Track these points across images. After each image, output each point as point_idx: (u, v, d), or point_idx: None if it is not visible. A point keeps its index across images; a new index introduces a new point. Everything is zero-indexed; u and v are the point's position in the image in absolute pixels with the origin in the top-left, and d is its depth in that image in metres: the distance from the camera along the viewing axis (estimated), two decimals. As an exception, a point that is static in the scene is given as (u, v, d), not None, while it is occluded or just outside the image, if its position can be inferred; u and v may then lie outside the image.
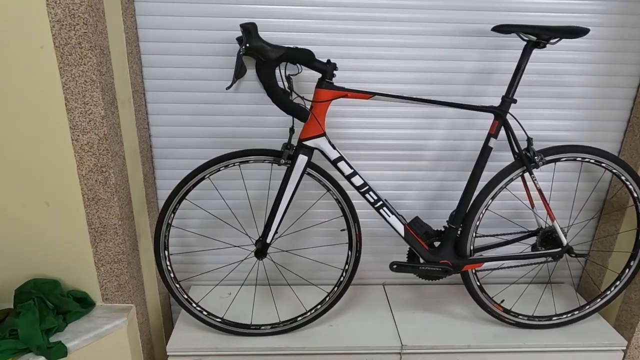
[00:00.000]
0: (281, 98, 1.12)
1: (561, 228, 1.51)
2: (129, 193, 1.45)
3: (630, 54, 1.58)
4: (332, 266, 1.83)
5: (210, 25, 1.47)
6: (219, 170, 1.38)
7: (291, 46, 1.12)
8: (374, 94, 1.32)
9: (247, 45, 1.05)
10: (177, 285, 1.48)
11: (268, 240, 1.42)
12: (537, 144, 1.66)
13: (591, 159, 1.46)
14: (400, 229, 1.46)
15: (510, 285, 1.88)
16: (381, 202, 1.43)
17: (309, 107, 1.32)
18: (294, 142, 1.36)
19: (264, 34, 1.47)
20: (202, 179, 1.38)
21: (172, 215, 1.40)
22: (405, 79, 1.57)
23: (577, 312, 1.64)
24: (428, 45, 1.54)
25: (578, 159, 1.45)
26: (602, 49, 1.57)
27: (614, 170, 1.47)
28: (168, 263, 1.45)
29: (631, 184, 1.49)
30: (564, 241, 1.48)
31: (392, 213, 1.45)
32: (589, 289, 1.86)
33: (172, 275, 1.47)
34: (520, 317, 1.61)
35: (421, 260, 1.51)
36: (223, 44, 1.48)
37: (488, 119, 1.64)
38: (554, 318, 1.63)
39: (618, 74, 1.61)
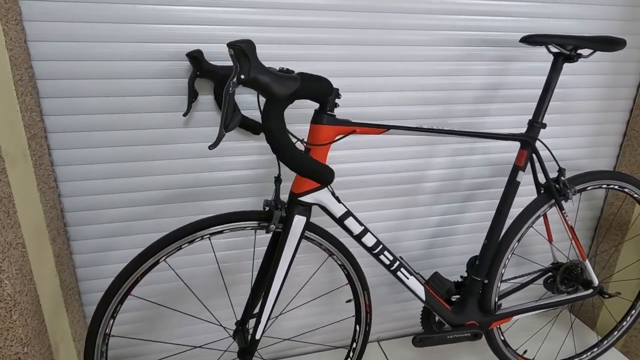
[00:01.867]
0: (295, 155, 0.73)
1: (582, 263, 1.33)
2: (35, 297, 0.95)
3: (629, 63, 1.45)
4: (333, 346, 1.48)
5: (145, 36, 1.02)
6: (180, 249, 0.95)
7: (305, 72, 0.72)
8: (389, 127, 1.00)
9: (243, 77, 0.65)
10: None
11: (258, 335, 1.02)
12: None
13: (615, 185, 1.29)
14: (421, 291, 1.16)
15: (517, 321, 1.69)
16: (398, 263, 1.11)
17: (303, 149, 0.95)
18: (282, 196, 0.98)
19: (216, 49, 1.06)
20: (156, 263, 0.94)
21: (112, 321, 0.94)
22: (400, 99, 1.27)
23: (595, 349, 1.49)
24: (423, 59, 1.25)
25: (604, 186, 1.28)
26: (600, 59, 1.42)
27: (635, 195, 1.32)
28: (108, 389, 0.98)
29: (650, 208, 1.35)
30: (595, 281, 1.30)
31: (411, 274, 1.14)
32: (586, 311, 1.75)
33: (115, 404, 1.00)
34: (543, 366, 1.42)
35: (444, 325, 1.22)
36: (165, 62, 1.05)
37: (491, 142, 1.41)
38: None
39: (616, 86, 1.47)
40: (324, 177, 0.78)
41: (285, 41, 1.11)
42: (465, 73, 1.30)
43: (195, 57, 1.01)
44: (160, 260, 0.93)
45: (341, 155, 1.28)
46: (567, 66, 1.38)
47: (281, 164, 0.79)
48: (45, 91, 1.01)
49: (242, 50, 0.64)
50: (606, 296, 1.31)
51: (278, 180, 0.99)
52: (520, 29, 1.29)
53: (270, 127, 0.69)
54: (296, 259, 1.33)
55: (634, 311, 1.48)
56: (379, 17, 1.16)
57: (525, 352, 1.40)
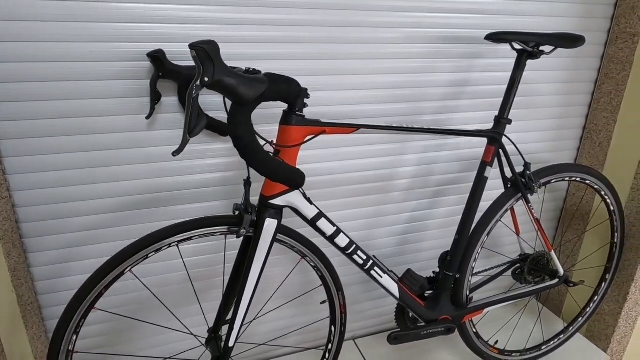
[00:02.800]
0: (265, 160, 0.70)
1: (547, 254, 1.37)
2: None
3: (587, 59, 1.50)
4: (309, 348, 1.46)
5: (102, 35, 0.97)
6: (147, 258, 0.91)
7: (272, 73, 0.70)
8: (359, 126, 0.99)
9: (207, 79, 0.62)
10: None
11: (232, 343, 0.99)
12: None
13: (577, 178, 1.33)
14: (395, 289, 1.16)
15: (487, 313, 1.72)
16: (372, 262, 1.11)
17: (272, 152, 0.93)
18: (252, 199, 0.96)
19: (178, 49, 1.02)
20: (121, 274, 0.89)
21: (74, 338, 0.89)
22: (368, 97, 1.26)
23: (562, 335, 1.55)
24: (392, 57, 1.25)
25: (566, 178, 1.31)
26: (559, 55, 1.46)
27: (596, 187, 1.37)
28: (74, 408, 0.93)
29: (609, 199, 1.41)
30: (561, 271, 1.35)
31: (385, 272, 1.14)
32: (553, 299, 1.81)
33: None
34: (514, 354, 1.45)
35: (418, 321, 1.23)
36: (124, 63, 1.00)
37: (460, 138, 1.43)
38: (544, 347, 1.51)
39: (576, 81, 1.52)
40: (295, 180, 0.76)
41: (250, 40, 1.08)
42: (433, 70, 1.31)
43: (157, 57, 0.97)
44: (126, 270, 0.89)
45: (311, 155, 1.27)
46: (529, 63, 1.43)
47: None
48: (-6, 95, 0.94)
49: (205, 51, 0.61)
50: (571, 285, 1.36)
51: (248, 183, 0.96)
52: (485, 26, 1.31)
53: (238, 132, 0.66)
54: (269, 261, 1.32)
55: (596, 297, 1.54)
56: (346, 15, 1.15)
57: (496, 342, 1.43)
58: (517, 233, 1.34)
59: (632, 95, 1.44)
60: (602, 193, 1.39)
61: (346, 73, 1.21)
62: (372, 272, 1.12)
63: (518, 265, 1.40)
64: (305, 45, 1.14)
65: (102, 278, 0.87)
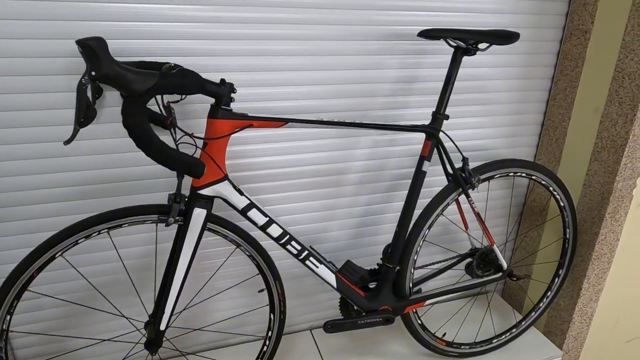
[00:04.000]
0: (162, 150, 0.75)
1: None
2: None
3: (544, 55, 1.51)
4: (250, 335, 1.50)
5: (47, 32, 1.01)
6: (77, 244, 0.96)
7: (171, 64, 0.74)
8: (287, 120, 1.02)
9: (94, 73, 0.67)
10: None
11: (163, 327, 1.04)
12: (456, 156, 1.54)
13: (522, 173, 1.35)
14: (332, 279, 1.20)
15: (430, 308, 1.75)
16: (307, 252, 1.15)
17: (200, 145, 0.97)
18: (186, 190, 1.01)
19: (117, 45, 1.07)
20: (52, 258, 0.95)
21: (9, 317, 0.94)
22: (315, 93, 1.29)
23: (514, 329, 1.56)
24: (341, 52, 1.28)
25: (510, 174, 1.33)
26: (514, 51, 1.47)
27: (543, 182, 1.39)
28: (11, 383, 0.99)
29: (558, 194, 1.42)
30: (504, 265, 1.37)
31: (321, 262, 1.18)
32: (515, 295, 1.82)
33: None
34: (462, 347, 1.48)
35: (358, 311, 1.27)
36: (66, 59, 1.05)
37: (411, 134, 1.46)
38: (495, 340, 1.53)
39: (532, 77, 1.53)
40: (194, 170, 0.80)
41: (193, 36, 1.12)
42: (381, 67, 1.33)
43: (91, 50, 1.01)
44: (57, 255, 0.94)
45: (264, 148, 1.30)
46: (483, 59, 1.44)
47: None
48: (-60, 88, 1.00)
49: (91, 47, 0.65)
50: (514, 279, 1.38)
51: (180, 174, 1.01)
52: (435, 24, 1.33)
53: (128, 123, 0.71)
54: (210, 251, 1.36)
55: (549, 292, 1.55)
56: (291, 13, 1.18)
57: (444, 335, 1.46)
58: (466, 228, 1.36)
59: (583, 91, 1.44)
60: (551, 189, 1.40)
61: (293, 69, 1.24)
62: (307, 262, 1.16)
63: (470, 259, 1.42)
64: (249, 42, 1.17)
65: (33, 262, 0.92)
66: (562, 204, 1.44)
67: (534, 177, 1.37)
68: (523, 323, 1.56)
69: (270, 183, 1.36)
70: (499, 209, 1.71)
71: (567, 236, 1.49)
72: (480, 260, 1.41)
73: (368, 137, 1.41)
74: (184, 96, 0.99)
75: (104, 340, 1.32)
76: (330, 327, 1.22)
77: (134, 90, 0.69)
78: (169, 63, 1.00)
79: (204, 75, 0.88)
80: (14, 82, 1.03)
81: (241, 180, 1.32)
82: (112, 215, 0.96)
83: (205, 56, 1.15)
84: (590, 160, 1.44)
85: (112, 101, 1.12)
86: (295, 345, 1.55)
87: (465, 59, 1.39)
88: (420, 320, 1.38)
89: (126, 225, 0.98)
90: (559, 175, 1.56)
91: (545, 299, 1.56)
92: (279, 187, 1.37)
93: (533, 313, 1.57)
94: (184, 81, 0.75)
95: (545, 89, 1.57)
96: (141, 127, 0.71)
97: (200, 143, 0.97)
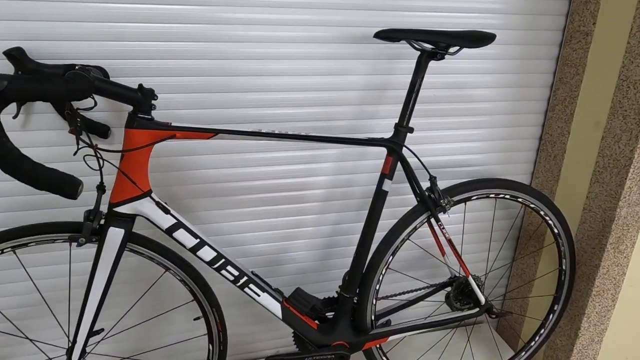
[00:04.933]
0: (19, 165, 0.65)
1: (477, 278, 1.22)
2: None
3: (542, 61, 1.33)
4: None
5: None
6: (-22, 263, 0.87)
7: (39, 70, 0.63)
8: (217, 131, 0.91)
9: None
10: None
11: (75, 355, 0.94)
12: (443, 172, 1.38)
13: (506, 195, 1.18)
14: (277, 309, 1.07)
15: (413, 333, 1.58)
16: (246, 279, 1.03)
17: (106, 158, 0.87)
18: (106, 208, 0.91)
19: (46, 46, 0.98)
20: (-51, 279, 0.87)
21: None
22: (272, 101, 1.17)
23: (500, 370, 1.38)
24: (305, 57, 1.15)
25: (492, 195, 1.17)
26: (507, 57, 1.31)
27: (532, 206, 1.21)
28: None
29: (551, 219, 1.24)
30: (482, 299, 1.20)
31: (263, 290, 1.05)
32: (512, 329, 1.63)
33: None
34: (438, 388, 1.31)
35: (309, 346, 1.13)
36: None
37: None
38: (477, 382, 1.36)
39: (526, 85, 1.36)
40: (62, 188, 0.69)
41: (130, 37, 1.03)
42: (348, 72, 1.20)
43: (14, 56, 0.93)
44: (-45, 275, 0.86)
45: (212, 159, 1.19)
46: (471, 65, 1.28)
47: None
48: None
49: None
50: (493, 316, 1.20)
51: (100, 188, 0.91)
52: (416, 25, 1.19)
53: None
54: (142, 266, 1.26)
55: (542, 330, 1.36)
56: (245, 13, 1.07)
57: (416, 373, 1.30)
58: (442, 254, 1.20)
59: (584, 102, 1.26)
60: (542, 213, 1.23)
61: (241, 74, 1.13)
62: (247, 290, 1.03)
63: (448, 289, 1.26)
64: (198, 44, 1.07)
65: None
66: (556, 230, 1.25)
67: (520, 200, 1.19)
68: (511, 364, 1.38)
69: (222, 198, 1.24)
70: (487, 234, 1.53)
71: (564, 267, 1.30)
72: (459, 292, 1.25)
73: (334, 149, 1.28)
74: (95, 103, 0.90)
75: None
76: (273, 363, 1.09)
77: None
78: (82, 65, 0.91)
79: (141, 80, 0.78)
80: None
81: (188, 194, 1.21)
82: (16, 233, 0.87)
83: (133, 59, 1.05)
84: (591, 181, 1.25)
85: (40, 108, 1.04)
86: (254, 373, 1.43)
87: (450, 65, 1.26)
88: (386, 357, 1.23)
89: (33, 244, 0.89)
90: (557, 197, 1.37)
91: (538, 337, 1.37)
92: (234, 203, 1.26)
93: (523, 353, 1.38)
94: (51, 87, 0.65)
95: (544, 98, 1.39)
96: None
97: (115, 157, 0.87)
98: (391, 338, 1.17)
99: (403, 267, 1.49)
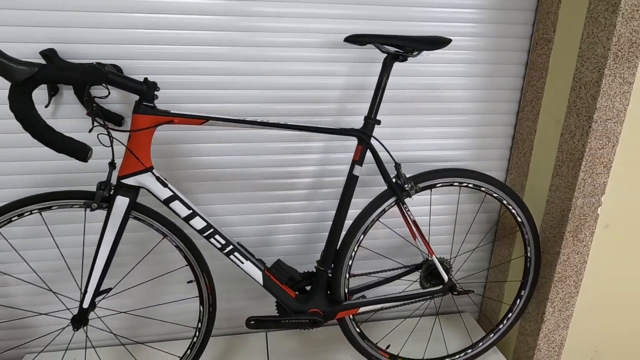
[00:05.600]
0: (43, 133, 0.84)
1: (445, 260, 1.34)
2: None
3: (512, 65, 1.46)
4: (184, 325, 1.55)
5: (10, 36, 1.16)
6: (11, 221, 1.07)
7: (62, 63, 0.83)
8: (208, 118, 1.08)
9: None
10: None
11: (85, 304, 1.12)
12: (421, 167, 1.52)
13: (469, 183, 1.30)
14: (258, 276, 1.22)
15: (402, 322, 1.70)
16: (231, 247, 1.19)
17: (127, 137, 1.05)
18: (115, 180, 1.09)
19: (73, 48, 1.19)
20: (-12, 233, 1.07)
21: (-51, 282, 1.07)
22: (258, 97, 1.35)
23: (470, 350, 1.48)
24: (288, 59, 1.33)
25: (455, 183, 1.30)
26: (481, 61, 1.44)
27: (495, 195, 1.33)
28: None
29: (514, 208, 1.35)
30: (445, 278, 1.32)
31: (247, 258, 1.21)
32: (491, 318, 1.73)
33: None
34: (409, 362, 1.43)
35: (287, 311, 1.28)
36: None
37: (364, 140, 1.46)
38: (446, 359, 1.47)
39: (499, 88, 1.49)
40: (76, 153, 0.88)
41: (141, 41, 1.23)
42: (330, 74, 1.36)
43: (47, 55, 1.14)
44: (-8, 230, 1.06)
45: (208, 147, 1.37)
46: (447, 69, 1.43)
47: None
48: None
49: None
50: (455, 293, 1.32)
51: (112, 164, 1.10)
52: (392, 33, 1.35)
53: (12, 108, 0.80)
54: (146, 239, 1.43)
55: (510, 314, 1.46)
56: (246, 21, 1.26)
57: (388, 346, 1.42)
58: (414, 237, 1.33)
59: (547, 103, 1.38)
60: (505, 202, 1.34)
61: (237, 74, 1.31)
62: (232, 257, 1.20)
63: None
64: (205, 48, 1.27)
65: (-30, 234, 1.05)
66: (519, 219, 1.37)
67: (483, 189, 1.32)
68: (480, 344, 1.48)
69: (214, 182, 1.42)
70: (460, 218, 1.65)
71: (529, 254, 1.40)
72: (428, 273, 1.37)
73: (319, 142, 1.44)
74: (109, 92, 1.09)
75: (40, 314, 1.43)
76: (253, 322, 1.23)
77: (15, 79, 0.79)
78: (98, 62, 1.11)
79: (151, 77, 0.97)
80: (-17, 79, 1.18)
81: (187, 178, 1.39)
82: (41, 198, 1.07)
83: (144, 60, 1.25)
84: (553, 175, 1.36)
85: (67, 99, 1.25)
86: (246, 344, 1.57)
87: (426, 68, 1.41)
88: (359, 329, 1.36)
89: (55, 207, 1.08)
90: (527, 190, 1.48)
91: (506, 320, 1.47)
92: (228, 186, 1.43)
93: (492, 335, 1.48)
94: (71, 73, 0.84)
95: (515, 100, 1.51)
96: (24, 112, 0.81)
97: (123, 136, 1.06)
98: (362, 309, 1.30)
99: (386, 252, 1.62)
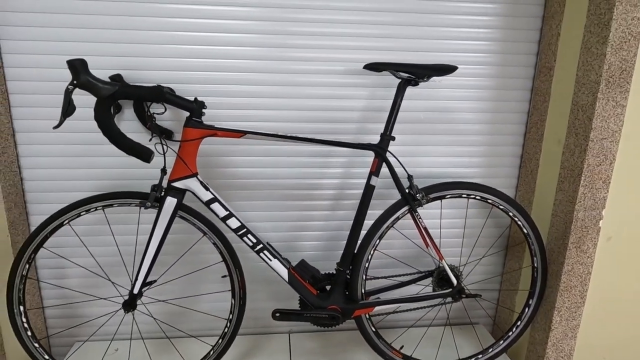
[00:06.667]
0: (118, 138, 1.05)
1: (455, 267, 1.46)
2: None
3: (518, 91, 1.61)
4: (217, 316, 1.71)
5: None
6: (80, 216, 1.27)
7: (133, 84, 1.05)
8: (245, 132, 1.27)
9: (75, 82, 0.99)
10: (36, 345, 1.33)
11: (135, 290, 1.30)
12: (434, 182, 1.65)
13: (477, 196, 1.43)
14: (284, 273, 1.37)
15: (409, 327, 1.80)
16: (261, 245, 1.35)
17: (177, 148, 1.25)
18: (166, 183, 1.29)
19: (136, 74, 1.42)
20: (61, 225, 1.27)
21: (27, 266, 1.27)
22: (289, 117, 1.54)
23: (480, 355, 1.57)
24: (316, 84, 1.52)
25: (463, 195, 1.43)
26: (490, 87, 1.60)
27: (501, 207, 1.45)
28: (24, 320, 1.31)
29: (520, 220, 1.47)
30: (454, 282, 1.43)
31: (275, 257, 1.37)
32: (503, 329, 1.80)
33: (29, 333, 1.32)
34: (421, 363, 1.52)
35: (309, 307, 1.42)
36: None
37: (381, 156, 1.62)
38: (458, 363, 1.55)
39: (507, 111, 1.63)
40: (142, 155, 1.08)
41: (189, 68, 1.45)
42: (350, 97, 1.55)
43: (115, 79, 1.37)
44: (64, 222, 1.27)
45: (241, 160, 1.56)
46: (454, 93, 1.58)
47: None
48: (15, 101, 1.42)
49: (74, 65, 0.98)
50: (464, 296, 1.42)
51: (163, 170, 1.30)
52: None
53: (96, 118, 1.01)
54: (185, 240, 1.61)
55: (519, 322, 1.54)
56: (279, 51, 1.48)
57: (402, 347, 1.52)
58: (425, 244, 1.46)
59: (550, 124, 1.51)
60: (510, 214, 1.46)
61: (265, 96, 1.51)
62: (262, 255, 1.36)
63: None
64: (246, 74, 1.48)
65: (45, 226, 1.25)
66: (525, 230, 1.47)
67: (489, 201, 1.44)
68: (490, 350, 1.56)
69: (246, 191, 1.60)
70: (472, 229, 1.75)
71: (535, 265, 1.50)
72: (440, 278, 1.49)
73: (341, 157, 1.61)
74: (165, 109, 1.30)
75: (99, 298, 1.61)
76: (278, 315, 1.38)
77: (101, 95, 1.00)
78: (158, 84, 1.33)
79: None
80: (58, 99, 1.42)
81: (223, 186, 1.58)
82: (105, 196, 1.27)
83: (194, 84, 1.47)
84: (556, 190, 1.47)
85: (128, 116, 1.47)
86: (270, 344, 1.71)
87: (437, 92, 1.57)
88: (374, 328, 1.47)
89: (116, 205, 1.28)
90: (534, 205, 1.59)
91: (515, 328, 1.55)
92: (253, 196, 1.61)
93: (502, 342, 1.56)
94: (140, 91, 1.05)
95: (523, 122, 1.65)
96: (105, 121, 1.02)
97: (174, 146, 1.26)
98: (378, 308, 1.42)
99: (404, 261, 1.74)
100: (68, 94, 0.98)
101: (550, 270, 1.50)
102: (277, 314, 1.38)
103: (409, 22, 1.50)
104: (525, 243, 1.61)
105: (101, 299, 1.62)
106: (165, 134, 1.48)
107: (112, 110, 1.39)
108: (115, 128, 1.04)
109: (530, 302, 1.53)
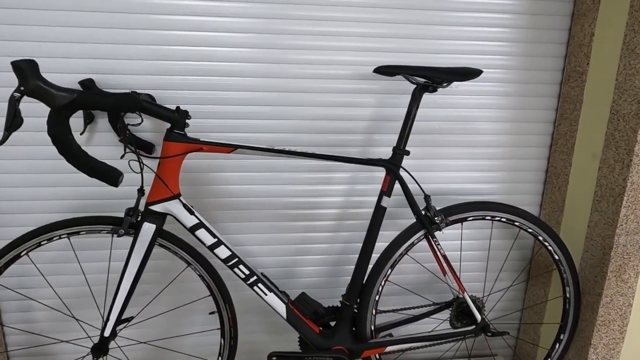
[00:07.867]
0: (78, 157, 0.86)
1: (477, 299, 1.28)
2: None
3: (544, 98, 1.43)
4: (204, 359, 1.51)
5: (52, 67, 1.22)
6: (40, 245, 1.08)
7: (99, 91, 0.86)
8: (236, 146, 1.09)
9: (23, 88, 0.80)
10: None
11: (107, 332, 1.10)
12: (450, 200, 1.47)
13: (502, 218, 1.25)
14: (282, 309, 1.18)
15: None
16: (255, 278, 1.16)
17: (156, 164, 1.06)
18: (143, 206, 1.10)
19: (110, 78, 1.23)
20: (18, 256, 1.07)
21: (-23, 305, 1.08)
22: (287, 127, 1.36)
23: (505, 398, 1.38)
24: (318, 90, 1.34)
25: (487, 217, 1.25)
26: (512, 94, 1.42)
27: (530, 230, 1.27)
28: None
29: (550, 245, 1.29)
30: (478, 317, 1.24)
31: (271, 290, 1.18)
32: (526, 356, 1.62)
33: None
34: (439, 409, 1.34)
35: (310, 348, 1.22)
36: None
37: (391, 171, 1.43)
38: (479, 408, 1.37)
39: (531, 121, 1.45)
40: (107, 177, 0.88)
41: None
42: (357, 105, 1.37)
43: (86, 85, 1.19)
44: (22, 254, 1.07)
45: (234, 176, 1.38)
46: (473, 100, 1.41)
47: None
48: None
49: (21, 67, 0.79)
50: (489, 334, 1.24)
51: (140, 190, 1.10)
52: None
53: (51, 132, 0.82)
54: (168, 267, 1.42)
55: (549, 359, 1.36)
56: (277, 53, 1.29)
57: (416, 390, 1.34)
58: (443, 273, 1.28)
59: (582, 135, 1.33)
60: (540, 238, 1.28)
61: (263, 104, 1.33)
62: (256, 288, 1.17)
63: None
64: (244, 79, 1.30)
65: (1, 257, 1.06)
66: (556, 256, 1.29)
67: (517, 224, 1.26)
68: (516, 392, 1.38)
69: (239, 211, 1.41)
70: (493, 253, 1.57)
71: (567, 295, 1.32)
72: (459, 311, 1.30)
73: (345, 173, 1.42)
74: (142, 120, 1.11)
75: (62, 341, 1.41)
76: (275, 358, 1.18)
77: (55, 104, 0.81)
78: (133, 91, 1.14)
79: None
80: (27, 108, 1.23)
81: (212, 206, 1.39)
82: (70, 222, 1.08)
83: (176, 90, 1.28)
84: (591, 210, 1.30)
85: (102, 127, 1.28)
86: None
87: (453, 100, 1.39)
88: (386, 369, 1.29)
89: (84, 232, 1.09)
90: (563, 227, 1.42)
91: (544, 367, 1.37)
92: (248, 217, 1.42)
93: (529, 382, 1.38)
94: (107, 100, 0.86)
95: (548, 133, 1.47)
96: (62, 136, 0.83)
97: (153, 163, 1.07)
98: (389, 348, 1.23)
99: (414, 289, 1.56)
100: (13, 102, 0.79)
101: (584, 302, 1.32)
102: (274, 358, 1.19)
103: (422, 20, 1.33)
104: (554, 270, 1.43)
105: (63, 342, 1.41)
106: (144, 148, 1.29)
107: (85, 122, 1.21)
108: (74, 145, 0.85)
109: (561, 336, 1.35)
